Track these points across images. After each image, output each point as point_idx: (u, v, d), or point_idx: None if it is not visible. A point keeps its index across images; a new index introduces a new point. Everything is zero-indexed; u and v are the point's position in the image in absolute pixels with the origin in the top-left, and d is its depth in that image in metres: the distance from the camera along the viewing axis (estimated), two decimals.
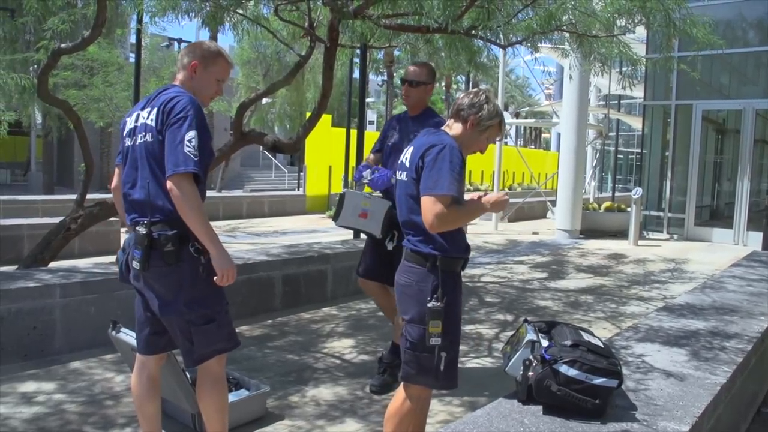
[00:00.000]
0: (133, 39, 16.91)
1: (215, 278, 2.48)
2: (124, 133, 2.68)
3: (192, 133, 2.44)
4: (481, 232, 13.26)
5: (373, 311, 5.88)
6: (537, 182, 22.77)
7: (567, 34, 5.37)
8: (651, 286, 7.97)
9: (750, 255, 7.49)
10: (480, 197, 2.62)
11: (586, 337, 2.54)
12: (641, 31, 7.01)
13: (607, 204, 14.28)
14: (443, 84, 41.57)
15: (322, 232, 12.30)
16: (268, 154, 29.34)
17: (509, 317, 6.01)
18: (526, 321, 2.80)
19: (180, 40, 24.11)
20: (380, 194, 4.04)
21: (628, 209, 12.78)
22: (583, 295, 7.25)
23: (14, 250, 7.89)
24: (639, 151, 21.12)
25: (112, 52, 13.75)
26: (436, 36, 5.73)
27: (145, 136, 2.55)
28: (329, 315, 5.85)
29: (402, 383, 2.65)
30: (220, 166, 16.14)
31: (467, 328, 5.39)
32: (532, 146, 55.04)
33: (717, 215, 14.82)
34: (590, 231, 13.19)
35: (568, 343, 2.41)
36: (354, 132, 11.52)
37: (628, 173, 32.46)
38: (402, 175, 2.69)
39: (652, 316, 4.10)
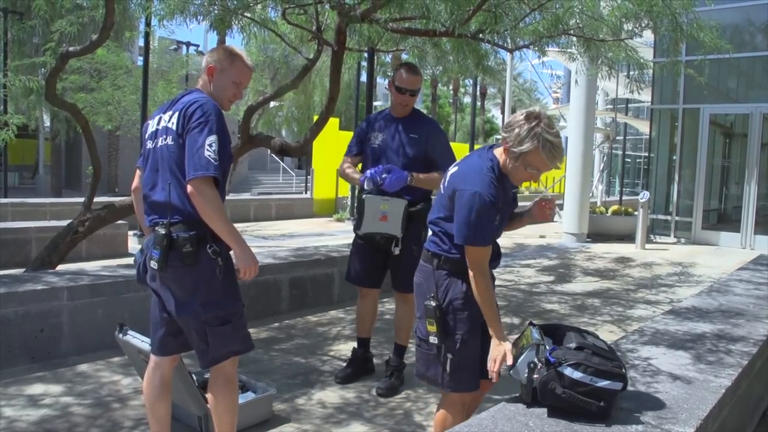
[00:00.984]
0: (141, 42, 17.02)
1: (238, 272, 2.60)
2: (146, 136, 2.72)
3: (212, 138, 2.48)
4: None
5: (379, 315, 5.87)
6: (544, 186, 22.74)
7: (574, 38, 5.38)
8: (658, 289, 7.95)
9: (757, 258, 7.45)
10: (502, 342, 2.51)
11: (590, 340, 2.53)
12: (648, 35, 7.00)
13: (615, 208, 14.23)
14: (451, 88, 41.58)
15: (329, 236, 12.31)
16: (276, 158, 29.42)
17: (516, 320, 6.00)
18: (531, 324, 2.80)
19: (188, 44, 24.11)
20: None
21: (636, 213, 12.73)
22: (589, 298, 7.24)
23: (22, 253, 7.94)
24: (646, 154, 21.05)
25: (120, 56, 13.83)
26: (443, 39, 5.75)
27: (166, 139, 2.59)
28: (336, 318, 5.86)
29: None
30: None
31: None
32: None
33: (724, 219, 14.77)
34: (597, 234, 13.15)
35: (573, 345, 2.41)
36: None
37: (636, 177, 32.32)
38: (442, 188, 2.69)
39: (658, 320, 4.09)
